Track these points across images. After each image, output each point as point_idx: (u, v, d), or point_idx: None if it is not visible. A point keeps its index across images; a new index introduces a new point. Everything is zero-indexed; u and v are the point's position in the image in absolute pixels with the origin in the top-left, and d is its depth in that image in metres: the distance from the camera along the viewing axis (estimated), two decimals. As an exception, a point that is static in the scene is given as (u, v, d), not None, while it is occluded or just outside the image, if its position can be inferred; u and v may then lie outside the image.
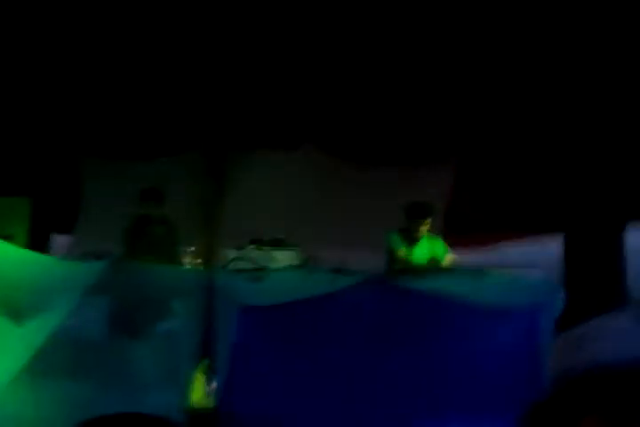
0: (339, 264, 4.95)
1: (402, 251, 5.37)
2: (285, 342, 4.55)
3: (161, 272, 4.65)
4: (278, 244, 5.23)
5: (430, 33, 5.92)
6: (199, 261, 5.05)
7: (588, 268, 5.55)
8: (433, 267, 5.34)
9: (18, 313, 4.12)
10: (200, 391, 4.66)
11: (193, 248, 5.16)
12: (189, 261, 5.18)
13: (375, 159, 6.99)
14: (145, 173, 6.56)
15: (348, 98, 6.78)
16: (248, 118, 6.73)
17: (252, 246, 4.93)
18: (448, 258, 5.55)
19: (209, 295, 4.55)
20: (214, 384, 4.38)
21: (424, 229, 5.39)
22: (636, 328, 1.16)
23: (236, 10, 5.77)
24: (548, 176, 6.54)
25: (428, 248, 5.49)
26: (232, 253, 4.93)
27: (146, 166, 6.69)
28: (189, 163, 6.29)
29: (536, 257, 8.63)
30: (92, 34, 5.83)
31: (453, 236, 6.87)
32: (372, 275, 4.75)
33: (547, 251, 7.99)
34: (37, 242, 5.90)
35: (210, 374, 4.59)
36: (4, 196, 5.71)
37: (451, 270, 5.34)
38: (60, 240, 6.42)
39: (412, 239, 5.43)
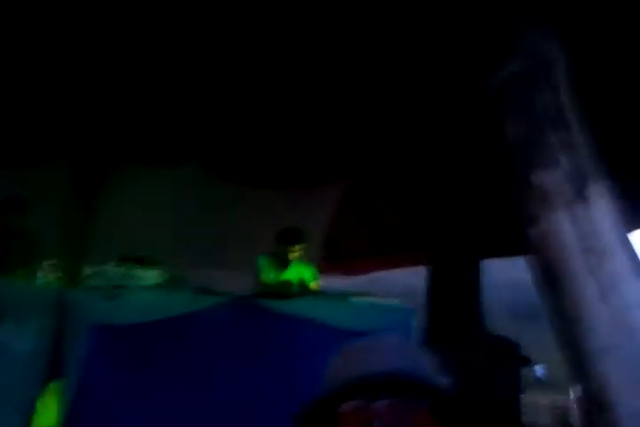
0: (204, 284, 4.83)
1: (268, 275, 5.36)
2: (138, 362, 4.38)
3: (10, 287, 4.40)
4: (141, 261, 5.06)
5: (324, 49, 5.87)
6: (58, 276, 4.82)
7: (447, 297, 5.67)
8: (298, 290, 5.34)
9: None
10: (51, 416, 4.42)
11: (52, 262, 4.92)
12: (47, 275, 4.93)
13: (259, 181, 6.93)
14: (8, 180, 6.24)
15: (236, 117, 6.68)
16: (128, 132, 6.52)
17: (112, 263, 4.74)
18: (315, 283, 5.58)
19: (61, 313, 4.34)
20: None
21: (294, 254, 5.39)
22: (404, 345, 1.36)
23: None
24: (424, 204, 6.66)
25: (296, 273, 5.50)
26: (92, 270, 4.73)
27: (9, 173, 6.37)
28: (58, 172, 6.04)
29: (412, 286, 8.79)
30: None
31: (330, 261, 6.90)
32: (233, 295, 4.67)
33: (413, 279, 8.18)
34: None
35: (62, 396, 4.36)
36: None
37: (313, 294, 5.35)
38: None
39: (281, 264, 5.43)
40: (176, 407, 4.48)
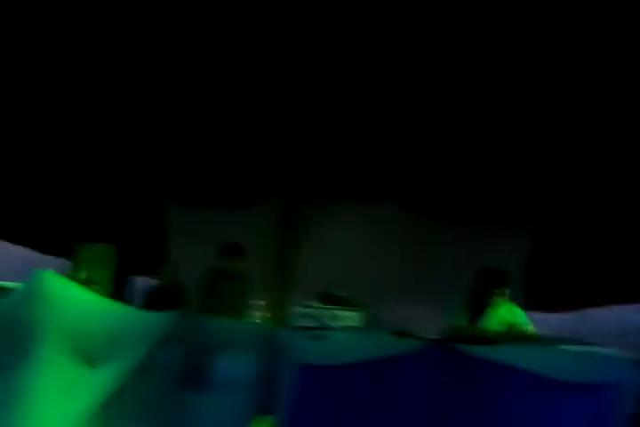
0: (402, 325, 4.91)
1: (463, 317, 5.28)
2: (342, 403, 4.55)
3: (227, 326, 4.77)
4: (343, 302, 5.26)
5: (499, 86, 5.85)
6: (268, 315, 5.15)
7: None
8: (507, 335, 5.22)
9: (92, 360, 4.34)
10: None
11: (263, 302, 5.27)
12: (259, 315, 5.28)
13: (456, 218, 6.93)
14: (227, 222, 6.76)
15: (431, 155, 6.77)
16: (330, 170, 6.81)
17: (317, 305, 4.99)
18: (529, 327, 5.42)
19: (272, 351, 4.64)
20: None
21: (497, 297, 5.28)
22: None
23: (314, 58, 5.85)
24: (631, 241, 6.31)
25: (502, 316, 5.37)
26: (299, 309, 5.01)
27: (228, 215, 6.88)
28: (268, 213, 6.43)
29: (624, 325, 8.24)
30: (170, 82, 6.04)
31: (532, 299, 6.68)
32: (434, 340, 4.70)
33: (636, 318, 7.63)
34: (120, 288, 6.16)
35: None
36: (90, 242, 6.02)
37: (522, 340, 5.20)
38: (142, 282, 6.68)
39: (481, 306, 5.34)
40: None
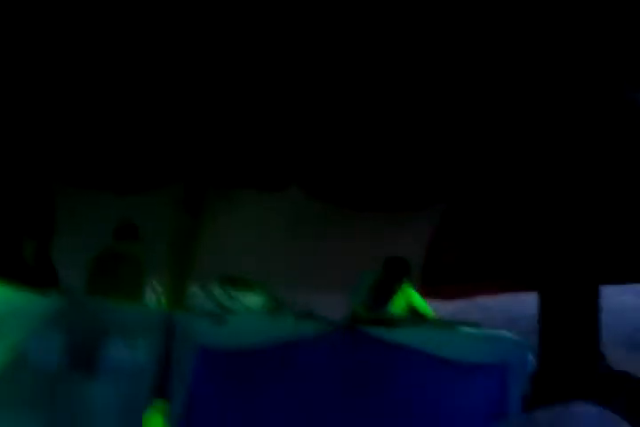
0: (305, 308, 4.84)
1: (367, 302, 5.29)
2: (244, 389, 4.42)
3: (120, 309, 4.55)
4: (244, 284, 5.14)
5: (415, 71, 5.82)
6: (164, 297, 4.95)
7: (563, 325, 5.41)
8: (409, 319, 5.27)
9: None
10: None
11: (160, 285, 5.06)
12: (155, 299, 5.07)
13: (360, 204, 6.90)
14: (122, 206, 6.47)
15: (336, 140, 6.70)
16: (234, 156, 6.65)
17: (216, 285, 4.83)
18: (429, 312, 5.49)
19: (168, 335, 4.44)
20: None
21: (401, 284, 5.34)
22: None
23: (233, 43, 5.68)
24: (531, 228, 6.43)
25: (404, 300, 5.43)
26: (197, 293, 4.82)
27: (124, 200, 6.60)
28: (168, 197, 6.21)
29: (513, 312, 8.51)
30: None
31: (428, 286, 6.76)
32: (337, 322, 4.65)
33: (523, 306, 7.88)
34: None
35: (167, 416, 4.45)
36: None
37: (425, 322, 5.26)
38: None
39: (385, 291, 5.36)
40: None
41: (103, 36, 5.46)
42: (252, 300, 4.85)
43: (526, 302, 7.35)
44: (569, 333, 5.51)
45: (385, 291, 5.38)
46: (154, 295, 5.02)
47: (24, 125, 6.27)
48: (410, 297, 5.51)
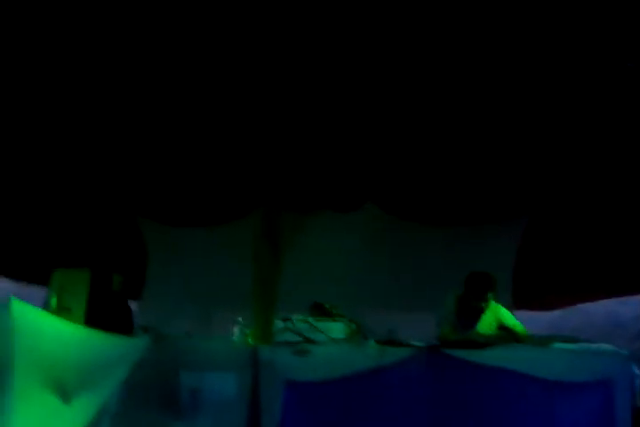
0: (389, 332, 4.77)
1: (452, 322, 5.13)
2: (330, 419, 4.42)
3: (205, 346, 4.63)
4: (326, 312, 5.15)
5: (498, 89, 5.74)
6: (251, 331, 4.99)
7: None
8: (497, 338, 5.09)
9: (65, 391, 4.18)
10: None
11: (244, 318, 5.11)
12: (241, 332, 5.12)
13: (438, 218, 6.80)
14: (206, 238, 6.63)
15: (410, 156, 6.64)
16: (306, 179, 6.69)
17: (299, 316, 4.87)
18: (519, 328, 5.27)
19: (254, 369, 4.49)
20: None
21: (486, 301, 5.15)
22: None
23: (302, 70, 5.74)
24: (622, 235, 6.19)
25: (493, 318, 5.24)
26: (279, 324, 4.87)
27: (206, 232, 6.76)
28: (247, 228, 6.29)
29: (618, 316, 8.11)
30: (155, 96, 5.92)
31: (521, 297, 6.57)
32: (420, 346, 4.58)
33: (627, 309, 7.52)
34: (97, 312, 6.01)
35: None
36: (63, 267, 5.86)
37: (516, 340, 5.07)
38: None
39: (470, 310, 5.17)
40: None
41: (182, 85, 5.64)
42: (335, 327, 4.84)
43: (629, 304, 7.04)
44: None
45: (470, 309, 5.20)
46: (238, 329, 5.08)
47: (116, 167, 6.53)
48: (498, 313, 5.29)
